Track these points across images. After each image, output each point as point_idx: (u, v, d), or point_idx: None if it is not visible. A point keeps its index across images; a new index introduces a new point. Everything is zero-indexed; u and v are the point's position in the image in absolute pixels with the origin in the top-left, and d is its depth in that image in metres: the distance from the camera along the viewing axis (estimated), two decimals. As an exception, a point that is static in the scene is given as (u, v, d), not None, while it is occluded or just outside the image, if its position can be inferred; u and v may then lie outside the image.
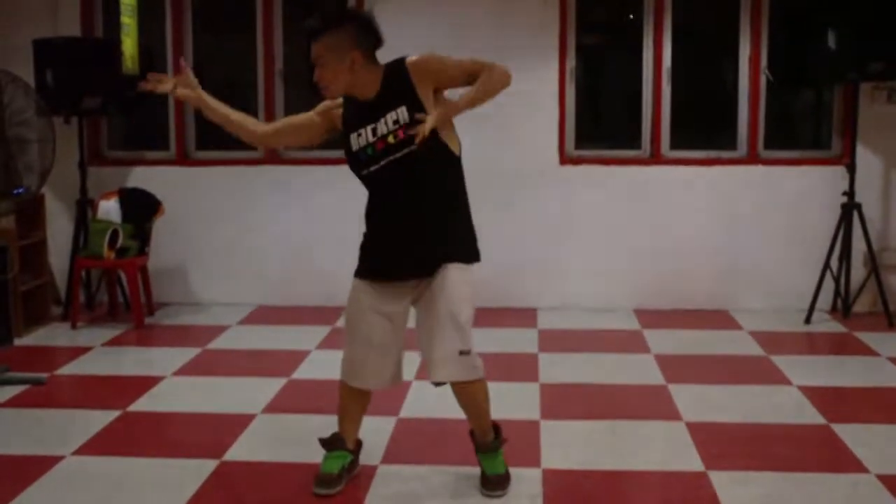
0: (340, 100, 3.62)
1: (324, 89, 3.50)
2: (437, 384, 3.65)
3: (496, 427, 3.81)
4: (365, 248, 3.71)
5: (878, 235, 6.71)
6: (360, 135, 3.50)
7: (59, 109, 6.50)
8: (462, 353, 3.53)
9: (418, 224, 3.56)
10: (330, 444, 3.80)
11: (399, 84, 3.46)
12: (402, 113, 3.44)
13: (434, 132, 3.43)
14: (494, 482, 3.71)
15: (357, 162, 3.55)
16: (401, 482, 3.85)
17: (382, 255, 3.64)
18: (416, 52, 3.55)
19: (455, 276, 3.56)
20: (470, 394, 3.67)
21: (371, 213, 3.65)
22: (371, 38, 3.49)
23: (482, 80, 3.48)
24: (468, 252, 3.65)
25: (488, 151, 6.58)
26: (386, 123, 3.45)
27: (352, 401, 3.79)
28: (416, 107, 3.44)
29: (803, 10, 6.30)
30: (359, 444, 3.88)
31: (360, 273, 3.69)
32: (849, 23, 6.03)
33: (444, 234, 3.59)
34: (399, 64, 3.49)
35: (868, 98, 6.57)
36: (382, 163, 3.48)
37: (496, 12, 6.77)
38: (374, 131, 3.47)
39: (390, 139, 3.45)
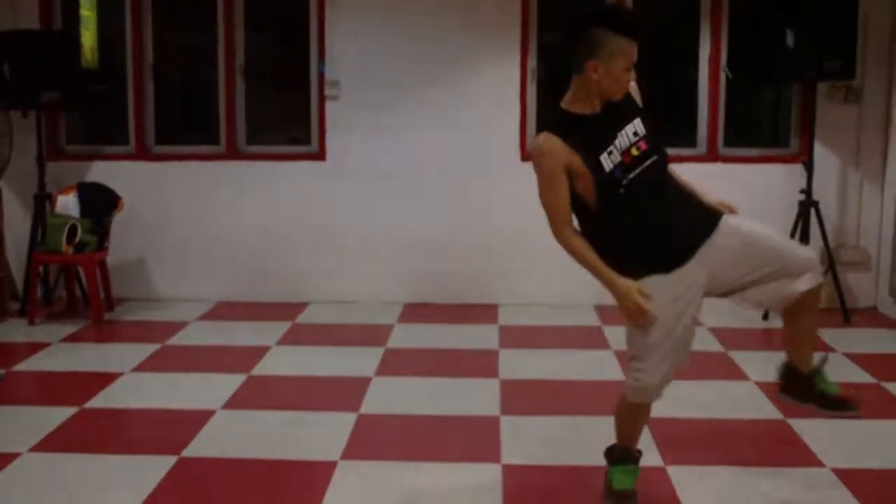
0: (555, 142, 3.24)
1: (625, 89, 3.37)
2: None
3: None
4: (634, 252, 3.42)
5: (835, 232, 6.79)
6: (610, 153, 3.27)
7: (17, 103, 6.44)
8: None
9: (680, 200, 3.43)
10: (621, 457, 3.53)
11: (626, 95, 3.40)
12: (638, 125, 3.34)
13: (661, 142, 3.38)
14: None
15: (612, 183, 3.25)
16: (361, 478, 3.85)
17: (668, 239, 3.36)
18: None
19: (736, 218, 3.54)
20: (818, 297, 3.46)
21: (629, 226, 3.34)
22: None
23: None
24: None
25: (451, 148, 6.58)
26: (626, 136, 3.31)
27: (646, 416, 3.56)
28: (644, 118, 3.37)
29: (762, 9, 6.36)
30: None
31: (653, 267, 3.40)
32: (806, 22, 6.10)
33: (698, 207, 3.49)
34: None
35: (826, 97, 6.66)
36: (630, 176, 3.26)
37: (458, 11, 6.76)
38: (617, 146, 3.29)
39: (633, 151, 3.29)
